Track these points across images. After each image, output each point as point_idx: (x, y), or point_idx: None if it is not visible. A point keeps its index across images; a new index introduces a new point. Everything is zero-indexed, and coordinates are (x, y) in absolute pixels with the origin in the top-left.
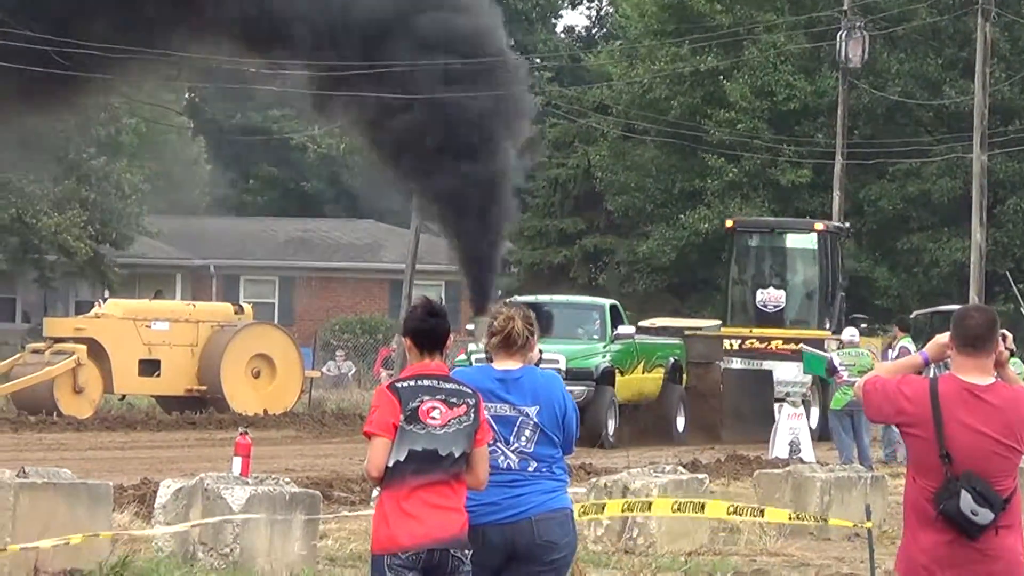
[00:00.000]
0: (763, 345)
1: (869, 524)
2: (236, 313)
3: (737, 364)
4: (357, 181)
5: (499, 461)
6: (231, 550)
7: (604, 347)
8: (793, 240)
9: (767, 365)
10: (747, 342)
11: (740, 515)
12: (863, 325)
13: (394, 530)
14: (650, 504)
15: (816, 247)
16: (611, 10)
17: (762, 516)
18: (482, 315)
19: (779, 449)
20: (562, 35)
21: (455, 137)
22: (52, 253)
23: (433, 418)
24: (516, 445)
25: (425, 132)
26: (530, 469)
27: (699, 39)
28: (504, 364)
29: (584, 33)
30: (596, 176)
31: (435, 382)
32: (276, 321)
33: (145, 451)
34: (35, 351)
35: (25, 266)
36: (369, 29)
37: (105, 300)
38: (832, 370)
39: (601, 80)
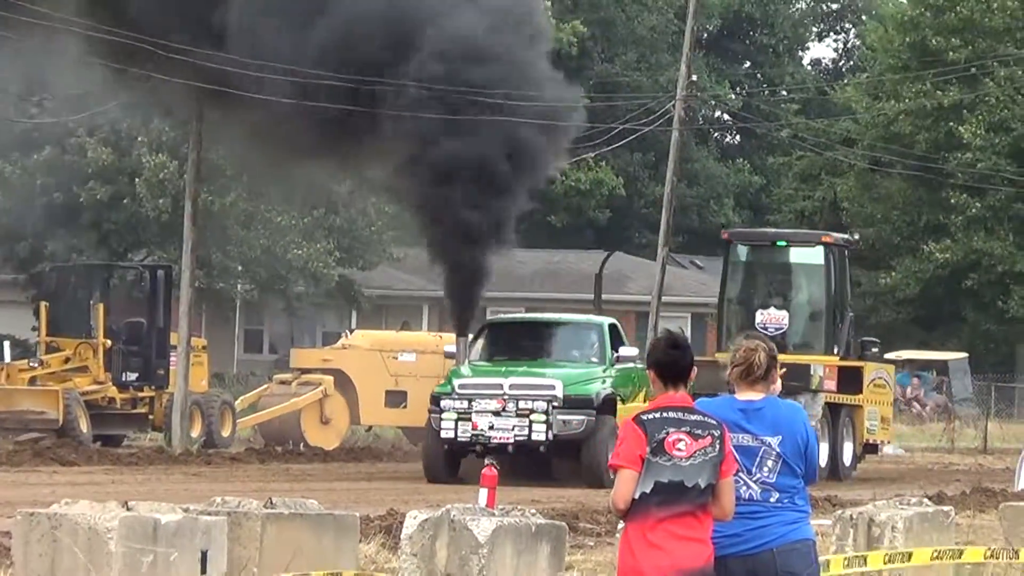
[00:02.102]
0: None
1: None
2: None
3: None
4: (604, 214)
5: (741, 492)
6: None
7: (604, 371)
8: (797, 254)
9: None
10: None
11: (996, 558)
12: (874, 349)
13: (640, 562)
14: (910, 555)
15: (823, 262)
16: (858, 43)
17: (1017, 558)
18: (463, 337)
19: None
20: (809, 67)
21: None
22: (300, 283)
23: (679, 450)
24: (758, 476)
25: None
26: (772, 500)
27: (940, 74)
28: (746, 395)
29: (831, 65)
30: (843, 208)
31: (680, 414)
32: None
33: (390, 482)
34: (282, 382)
35: (273, 296)
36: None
37: (352, 331)
38: None
39: (847, 113)
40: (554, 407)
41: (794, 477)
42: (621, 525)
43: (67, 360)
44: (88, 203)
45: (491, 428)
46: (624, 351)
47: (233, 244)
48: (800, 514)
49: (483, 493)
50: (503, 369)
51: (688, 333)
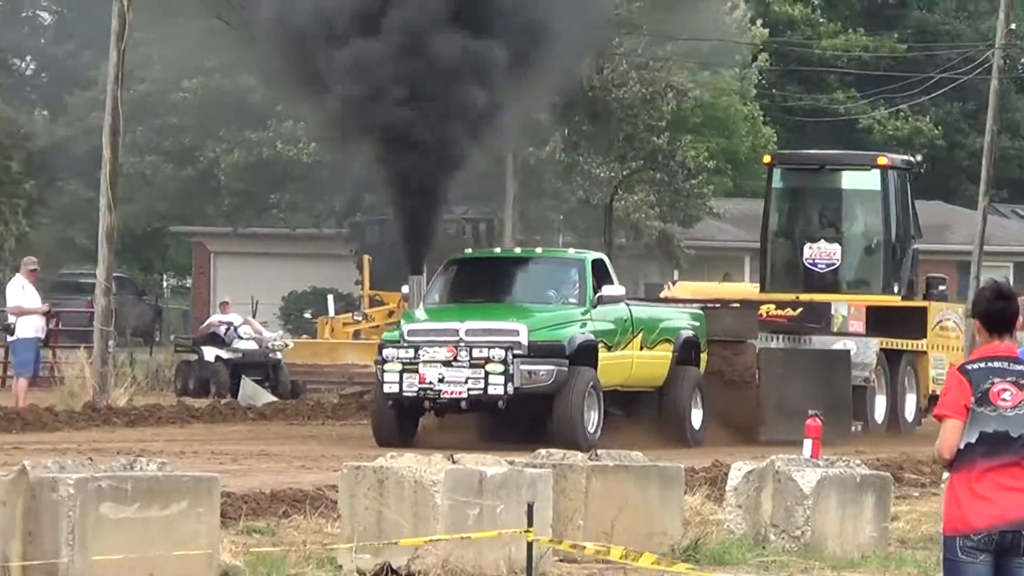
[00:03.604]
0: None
1: None
2: None
3: (780, 343)
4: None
5: None
6: (802, 532)
7: (583, 314)
8: (850, 179)
9: (818, 341)
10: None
11: None
12: (942, 288)
13: (966, 512)
14: None
15: (880, 188)
16: None
17: None
18: (417, 275)
19: None
20: None
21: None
22: (621, 235)
23: (1004, 400)
24: None
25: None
26: None
27: None
28: None
29: None
30: None
31: (1005, 364)
32: None
33: None
34: None
35: (592, 248)
36: None
37: (674, 282)
38: None
39: None
40: (515, 355)
41: None
42: (946, 476)
43: (390, 313)
44: None
45: (441, 381)
46: (608, 290)
47: (551, 196)
48: None
49: (807, 444)
50: (462, 312)
51: (1011, 282)
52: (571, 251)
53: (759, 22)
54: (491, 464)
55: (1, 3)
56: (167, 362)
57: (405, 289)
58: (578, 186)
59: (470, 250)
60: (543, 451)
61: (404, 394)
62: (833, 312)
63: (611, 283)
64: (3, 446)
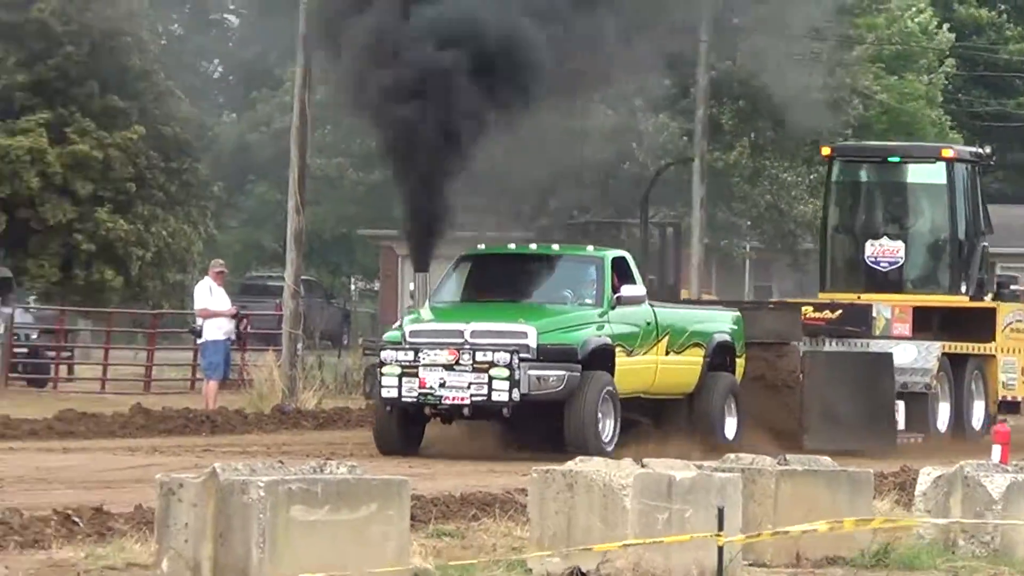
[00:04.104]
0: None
1: None
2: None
3: (831, 345)
4: None
5: None
6: (992, 538)
7: (600, 315)
8: (914, 172)
9: (875, 345)
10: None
11: None
12: (1014, 287)
13: None
14: None
15: (946, 181)
16: None
17: None
18: (422, 272)
19: None
20: None
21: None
22: (808, 240)
23: None
24: None
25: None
26: None
27: None
28: None
29: None
30: None
31: None
32: None
33: None
34: None
35: (780, 253)
36: None
37: None
38: None
39: None
40: (522, 359)
41: None
42: None
43: None
44: (592, 161)
45: (442, 386)
46: (628, 290)
47: (739, 201)
48: None
49: (996, 449)
50: (470, 312)
51: None
52: (590, 248)
53: (945, 26)
54: (680, 468)
55: (188, 7)
56: (355, 365)
57: (412, 286)
58: (765, 190)
59: (483, 245)
60: (731, 455)
61: (403, 399)
62: (875, 314)
63: (633, 283)
64: (193, 448)
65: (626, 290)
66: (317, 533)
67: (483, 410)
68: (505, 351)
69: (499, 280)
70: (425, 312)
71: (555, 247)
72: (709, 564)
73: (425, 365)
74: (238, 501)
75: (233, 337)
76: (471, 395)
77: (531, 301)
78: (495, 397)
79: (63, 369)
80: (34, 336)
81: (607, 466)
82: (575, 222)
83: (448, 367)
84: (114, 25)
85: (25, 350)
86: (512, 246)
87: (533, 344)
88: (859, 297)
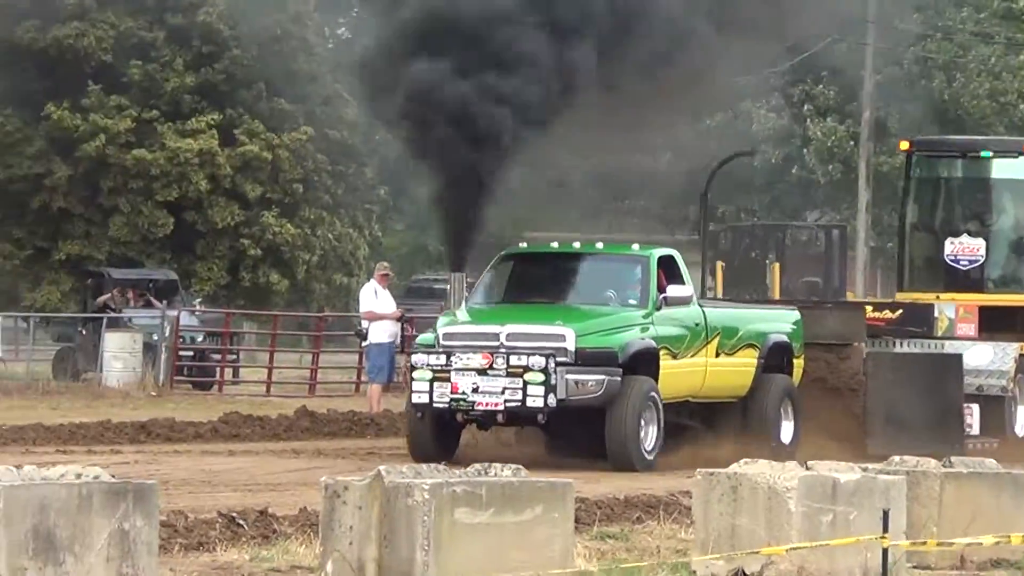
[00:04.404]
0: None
1: None
2: None
3: (901, 347)
4: None
5: None
6: None
7: (644, 317)
8: (998, 167)
9: (948, 347)
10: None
11: None
12: None
13: None
14: None
15: None
16: None
17: None
18: (458, 272)
19: None
20: None
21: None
22: None
23: None
24: None
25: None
26: None
27: None
28: None
29: None
30: None
31: None
32: None
33: None
34: None
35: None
36: None
37: None
38: None
39: None
40: (559, 363)
41: None
42: None
43: None
44: (760, 166)
45: (475, 391)
46: (674, 291)
47: None
48: None
49: None
50: (507, 314)
51: None
52: (635, 247)
53: None
54: (844, 471)
55: (355, 11)
56: None
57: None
58: None
59: (524, 244)
60: (896, 458)
61: (435, 405)
62: (937, 314)
63: (681, 283)
64: (358, 451)
65: (672, 290)
66: (481, 535)
67: (518, 416)
68: (541, 355)
69: (540, 280)
70: (461, 314)
71: (599, 245)
72: (873, 566)
73: (457, 369)
74: (403, 504)
75: (398, 340)
76: (505, 400)
77: (572, 302)
78: (530, 403)
79: (228, 372)
80: (200, 339)
81: (772, 468)
82: (740, 224)
83: (481, 371)
84: (282, 27)
85: (191, 353)
86: (555, 244)
87: (571, 347)
88: (938, 297)
